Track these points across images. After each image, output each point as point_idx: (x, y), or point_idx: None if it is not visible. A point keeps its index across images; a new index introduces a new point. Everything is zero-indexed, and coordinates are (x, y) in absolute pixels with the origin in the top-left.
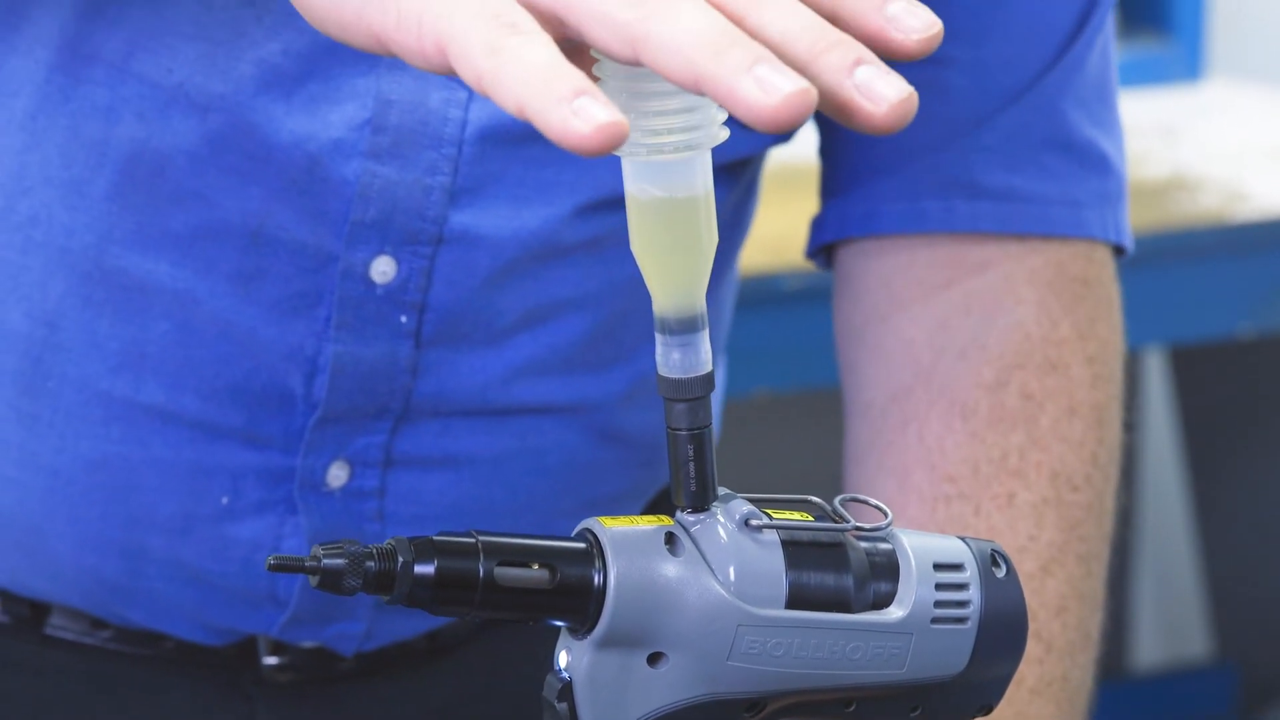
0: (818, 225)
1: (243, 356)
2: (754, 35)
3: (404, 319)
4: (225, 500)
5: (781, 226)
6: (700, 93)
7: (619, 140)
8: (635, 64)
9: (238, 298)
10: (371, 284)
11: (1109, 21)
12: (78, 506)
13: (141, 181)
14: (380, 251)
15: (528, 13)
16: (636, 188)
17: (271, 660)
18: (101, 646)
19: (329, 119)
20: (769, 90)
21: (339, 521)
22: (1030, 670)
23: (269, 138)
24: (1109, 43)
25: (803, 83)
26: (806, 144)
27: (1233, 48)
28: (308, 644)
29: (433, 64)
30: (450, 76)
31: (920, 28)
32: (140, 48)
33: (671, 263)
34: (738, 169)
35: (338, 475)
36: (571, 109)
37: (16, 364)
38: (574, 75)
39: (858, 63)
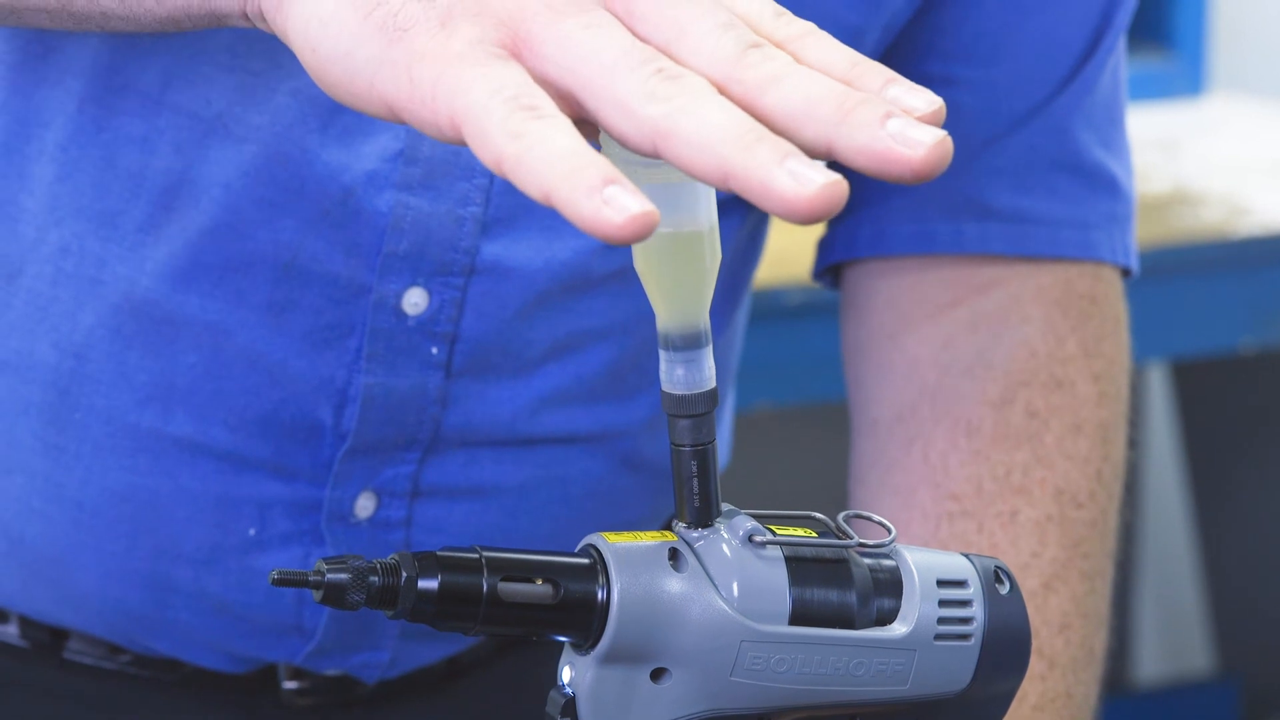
0: (825, 246)
1: (272, 388)
2: (778, 106)
3: (435, 350)
4: (252, 531)
5: (783, 241)
6: (727, 188)
7: (650, 230)
8: (653, 156)
9: (269, 329)
10: (403, 315)
11: (1120, 44)
12: (103, 538)
13: (176, 213)
14: (412, 283)
15: (544, 92)
16: None
17: (291, 685)
18: (120, 671)
19: (362, 150)
20: (804, 183)
21: (366, 552)
22: (1033, 687)
23: (303, 169)
24: (1119, 65)
25: (834, 175)
26: None
27: (1234, 62)
28: (330, 672)
29: (447, 137)
30: None
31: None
32: (176, 79)
33: (675, 284)
34: None
35: (365, 506)
36: (603, 198)
37: (43, 395)
38: (601, 163)
39: (888, 115)
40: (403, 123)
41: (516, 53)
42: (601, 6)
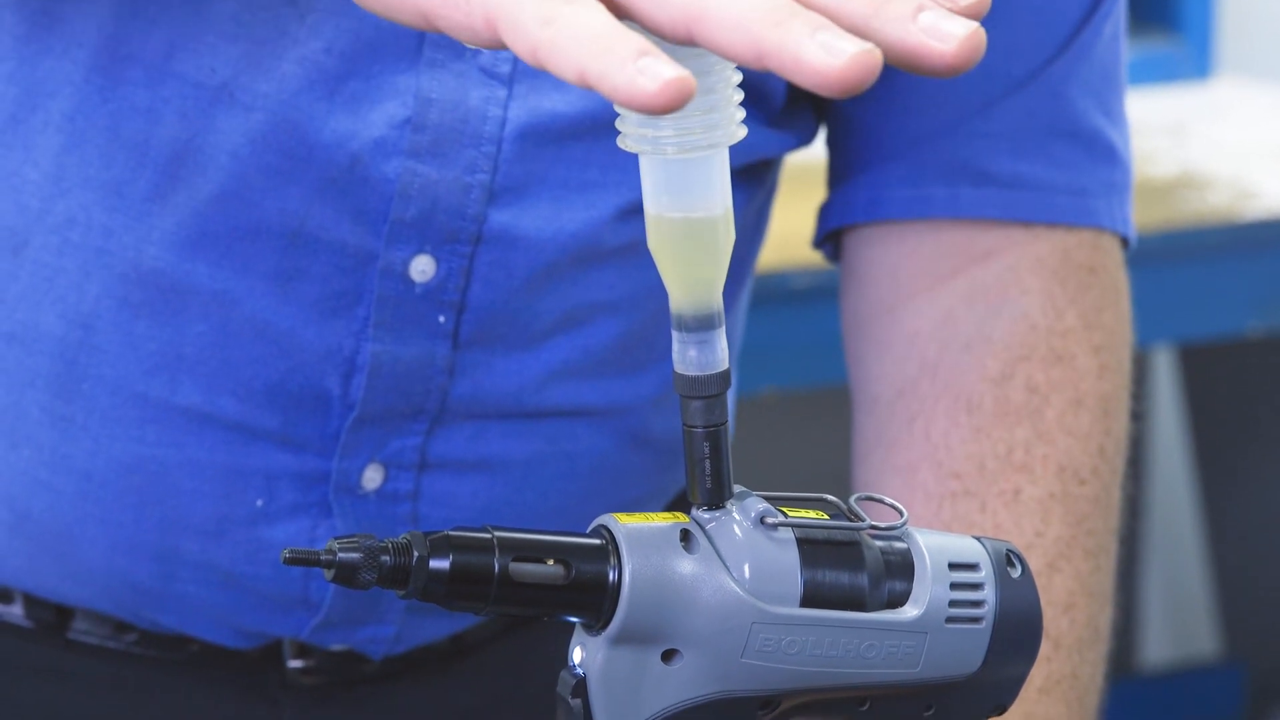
0: (824, 212)
1: (280, 357)
2: (812, 2)
3: (442, 319)
4: (260, 503)
5: (790, 224)
6: (762, 66)
7: (687, 96)
8: (688, 43)
9: (276, 298)
10: (410, 283)
11: (1119, 10)
12: (110, 510)
13: (182, 182)
14: (420, 250)
15: None
16: (655, 208)
17: (297, 663)
18: (125, 650)
19: (370, 118)
20: (835, 53)
21: (373, 524)
22: (1038, 668)
23: (310, 136)
24: (1119, 32)
25: (866, 44)
26: (814, 142)
27: (1241, 46)
28: (336, 647)
29: (482, 39)
30: (490, 74)
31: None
32: (180, 48)
33: (689, 266)
34: (761, 172)
35: (372, 478)
36: (636, 68)
37: (50, 366)
38: (634, 37)
39: (919, 8)
40: (437, 30)
41: None
42: None
